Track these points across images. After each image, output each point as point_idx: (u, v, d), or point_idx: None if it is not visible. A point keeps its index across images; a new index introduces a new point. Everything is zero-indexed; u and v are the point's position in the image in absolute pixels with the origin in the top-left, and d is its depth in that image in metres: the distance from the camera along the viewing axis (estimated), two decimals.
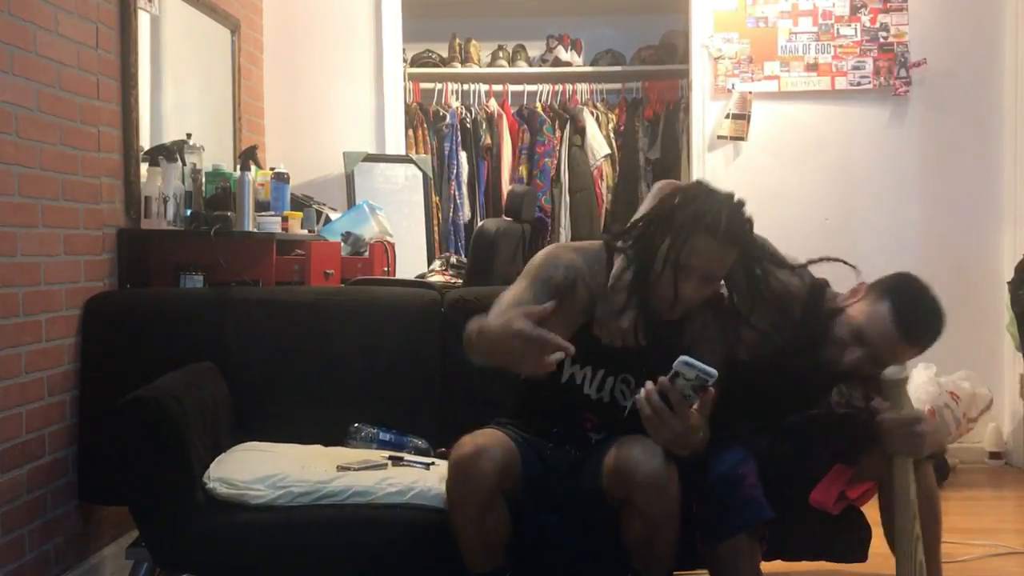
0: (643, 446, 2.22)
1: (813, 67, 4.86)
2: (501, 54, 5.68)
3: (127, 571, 2.83)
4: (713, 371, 2.09)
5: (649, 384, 2.12)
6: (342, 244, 3.84)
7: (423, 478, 2.58)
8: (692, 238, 2.21)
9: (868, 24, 4.84)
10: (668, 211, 2.28)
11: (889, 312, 2.48)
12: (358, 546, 2.51)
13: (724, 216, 2.22)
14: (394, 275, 4.05)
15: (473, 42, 5.70)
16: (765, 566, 2.75)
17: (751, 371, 2.43)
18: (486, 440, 2.30)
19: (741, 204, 2.29)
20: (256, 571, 2.59)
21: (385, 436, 2.90)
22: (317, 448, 2.83)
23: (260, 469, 2.60)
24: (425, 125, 5.43)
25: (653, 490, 2.20)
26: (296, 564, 2.53)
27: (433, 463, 2.71)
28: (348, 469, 2.62)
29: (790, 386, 2.48)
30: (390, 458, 2.72)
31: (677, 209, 2.26)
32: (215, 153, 3.86)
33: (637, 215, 2.43)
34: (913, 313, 2.52)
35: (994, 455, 4.83)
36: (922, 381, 4.41)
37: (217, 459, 2.66)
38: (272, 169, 3.79)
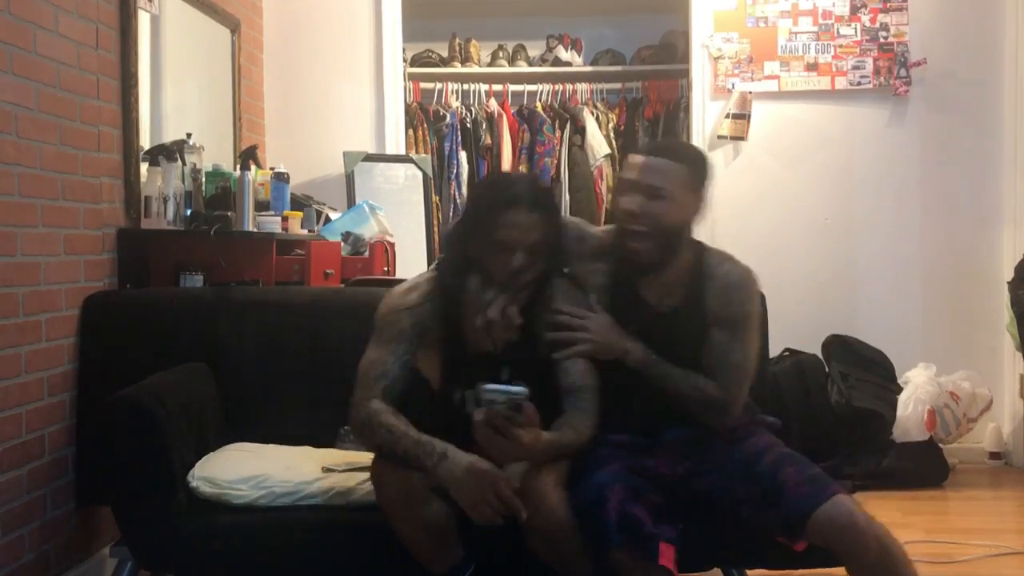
0: (546, 474, 2.30)
1: (813, 67, 4.86)
2: (501, 54, 5.67)
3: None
4: (519, 388, 2.18)
5: (476, 414, 2.21)
6: (342, 244, 3.83)
7: None
8: (497, 215, 2.33)
9: (868, 24, 4.84)
10: (467, 212, 2.48)
11: None
12: (337, 547, 2.51)
13: (518, 186, 2.39)
14: (394, 275, 4.05)
15: (473, 42, 5.69)
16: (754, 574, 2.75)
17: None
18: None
19: (530, 176, 2.48)
20: (236, 571, 2.59)
21: None
22: (305, 449, 2.83)
23: (244, 469, 2.60)
24: (425, 125, 5.42)
25: (531, 506, 2.24)
26: (276, 565, 2.53)
27: None
28: (333, 470, 2.62)
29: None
30: None
31: (473, 205, 2.45)
32: (215, 153, 3.86)
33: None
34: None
35: (994, 455, 4.83)
36: (922, 381, 4.41)
37: (203, 459, 2.66)
38: (272, 169, 3.79)
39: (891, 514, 3.83)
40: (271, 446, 2.83)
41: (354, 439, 2.43)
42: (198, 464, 2.62)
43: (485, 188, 2.46)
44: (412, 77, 5.49)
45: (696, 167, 2.51)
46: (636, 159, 2.47)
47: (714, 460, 2.46)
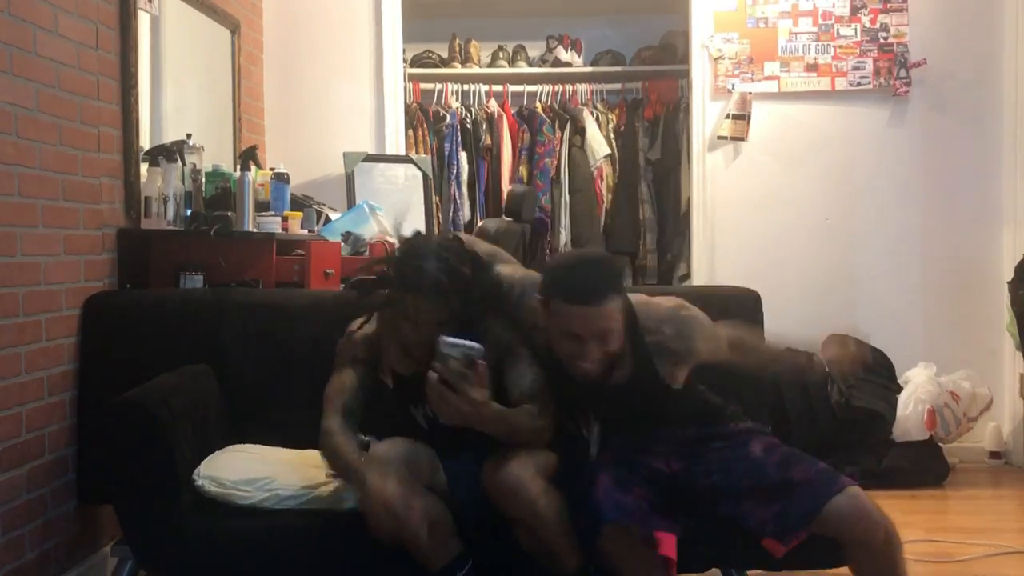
0: (490, 462, 2.39)
1: (813, 67, 4.86)
2: (501, 54, 5.67)
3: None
4: (478, 345, 2.27)
5: (430, 372, 2.29)
6: (342, 244, 3.83)
7: None
8: (402, 300, 2.42)
9: (868, 24, 4.84)
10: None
11: (549, 282, 2.43)
12: (341, 552, 2.51)
13: (419, 275, 2.40)
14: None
15: (473, 43, 5.70)
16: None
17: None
18: (385, 445, 2.52)
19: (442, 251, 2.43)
20: (239, 573, 2.59)
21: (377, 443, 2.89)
22: (311, 453, 2.81)
23: (249, 470, 2.61)
24: (425, 125, 5.43)
25: (508, 497, 2.33)
26: (280, 567, 2.53)
27: None
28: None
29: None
30: None
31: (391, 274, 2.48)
32: (215, 153, 3.86)
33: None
34: (564, 271, 2.46)
35: (994, 455, 4.83)
36: (922, 381, 4.42)
37: (208, 457, 2.66)
38: (272, 169, 3.80)
39: (891, 513, 3.72)
40: (276, 449, 2.83)
41: (322, 453, 2.54)
42: (204, 463, 2.63)
43: (398, 263, 2.48)
44: (412, 78, 5.50)
45: (615, 282, 2.44)
46: (571, 310, 2.34)
47: (716, 460, 2.48)
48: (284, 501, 2.56)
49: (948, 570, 3.32)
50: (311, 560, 2.52)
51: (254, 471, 2.61)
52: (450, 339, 2.27)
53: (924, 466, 4.39)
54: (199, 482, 2.56)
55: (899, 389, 4.44)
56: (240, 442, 2.84)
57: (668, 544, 2.32)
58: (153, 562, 2.61)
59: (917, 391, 4.37)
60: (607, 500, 2.32)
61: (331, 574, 2.58)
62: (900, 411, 4.36)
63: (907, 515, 3.92)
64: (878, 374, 4.49)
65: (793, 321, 4.19)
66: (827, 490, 2.34)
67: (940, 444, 4.45)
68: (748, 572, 2.77)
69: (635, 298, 2.53)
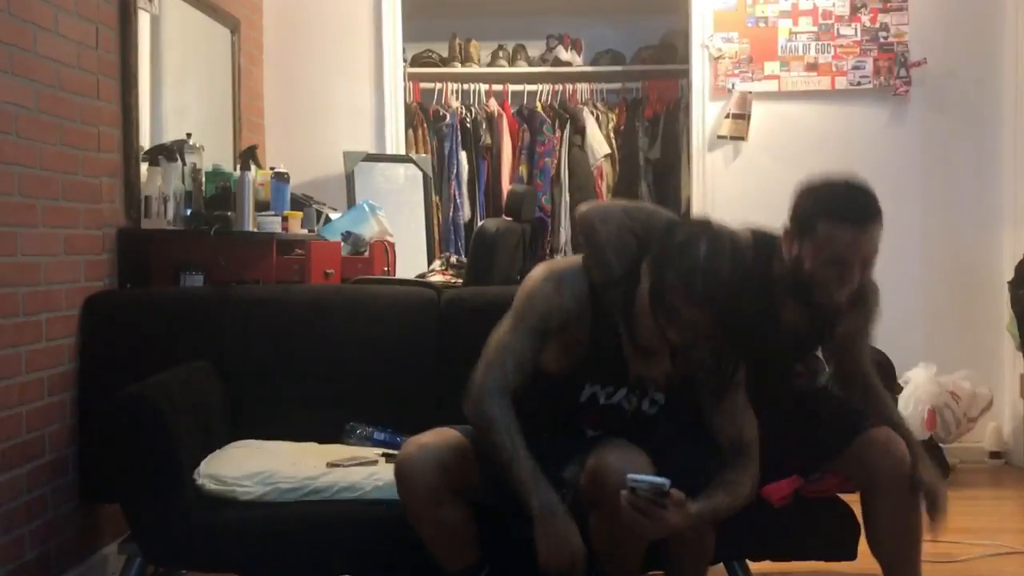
0: (623, 452, 2.23)
1: (813, 67, 4.86)
2: (501, 54, 5.67)
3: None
4: (662, 480, 2.10)
5: (621, 495, 2.11)
6: (342, 244, 3.84)
7: None
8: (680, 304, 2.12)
9: (868, 24, 4.84)
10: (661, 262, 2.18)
11: (812, 204, 2.34)
12: (345, 542, 2.52)
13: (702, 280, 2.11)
14: (394, 275, 4.05)
15: (473, 42, 5.69)
16: (757, 567, 2.76)
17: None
18: (429, 439, 2.32)
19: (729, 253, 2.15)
20: (245, 566, 2.60)
21: (380, 435, 2.89)
22: (311, 445, 2.84)
23: (250, 465, 2.61)
24: (425, 125, 5.42)
25: (608, 479, 2.19)
26: (284, 560, 2.54)
27: None
28: (338, 466, 2.63)
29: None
30: (383, 455, 2.72)
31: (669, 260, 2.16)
32: (215, 153, 3.86)
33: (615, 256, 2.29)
34: (832, 191, 2.39)
35: (994, 455, 4.83)
36: (922, 381, 4.41)
37: (209, 456, 2.67)
38: (272, 169, 3.79)
39: None
40: (276, 442, 2.83)
41: (469, 415, 2.25)
42: (204, 462, 2.63)
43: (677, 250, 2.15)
44: (412, 77, 5.49)
45: (880, 206, 2.38)
46: (843, 232, 2.26)
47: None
48: (285, 494, 2.56)
49: (949, 570, 3.32)
50: (314, 550, 2.52)
51: (254, 466, 2.61)
52: (635, 476, 2.11)
53: None
54: (200, 481, 2.57)
55: (899, 389, 4.44)
56: (242, 438, 2.85)
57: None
58: (159, 554, 2.62)
59: (917, 391, 4.37)
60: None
61: (334, 563, 2.58)
62: (900, 411, 4.36)
63: None
64: (878, 374, 4.48)
65: None
66: (857, 424, 2.38)
67: (940, 444, 4.45)
68: (752, 568, 2.77)
69: None
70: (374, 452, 2.75)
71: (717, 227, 2.23)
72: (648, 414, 2.39)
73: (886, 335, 4.53)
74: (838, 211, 2.25)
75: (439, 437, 2.34)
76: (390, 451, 2.75)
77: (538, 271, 2.34)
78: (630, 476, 2.11)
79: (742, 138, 4.86)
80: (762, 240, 2.44)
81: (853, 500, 2.59)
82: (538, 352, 2.27)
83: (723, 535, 2.40)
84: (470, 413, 2.25)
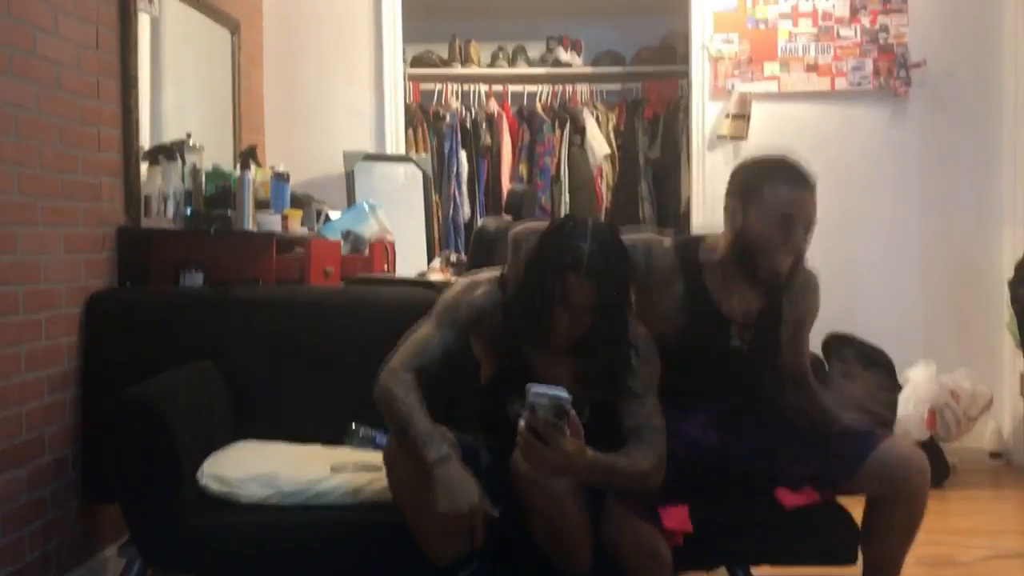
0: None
1: (813, 68, 4.86)
2: (501, 55, 5.68)
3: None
4: (564, 394, 2.11)
5: (520, 420, 2.15)
6: (342, 243, 3.83)
7: None
8: (559, 278, 2.27)
9: (868, 25, 4.84)
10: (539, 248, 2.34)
11: (756, 175, 2.47)
12: (346, 546, 2.52)
13: (586, 254, 2.26)
14: (394, 274, 4.05)
15: (473, 43, 5.70)
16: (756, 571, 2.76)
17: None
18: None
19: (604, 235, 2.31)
20: (245, 570, 2.59)
21: (382, 440, 2.89)
22: (314, 448, 2.83)
23: (253, 467, 2.61)
24: (425, 125, 5.43)
25: (534, 485, 2.23)
26: (285, 563, 2.53)
27: None
28: (342, 470, 2.62)
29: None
30: None
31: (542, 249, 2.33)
32: (215, 153, 3.86)
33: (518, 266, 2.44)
34: (772, 163, 2.50)
35: (994, 455, 4.83)
36: (922, 380, 4.41)
37: (212, 456, 2.66)
38: (272, 168, 3.79)
39: None
40: (280, 444, 2.83)
41: (375, 394, 2.37)
42: (207, 462, 2.63)
43: (553, 239, 2.32)
44: (412, 78, 5.50)
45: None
46: (790, 194, 2.40)
47: (751, 424, 2.56)
48: (288, 498, 2.56)
49: (949, 571, 3.32)
50: (315, 555, 2.52)
51: (257, 468, 2.61)
52: (538, 387, 2.13)
53: None
54: (203, 482, 2.57)
55: (899, 388, 4.44)
56: (244, 438, 2.85)
57: (674, 517, 2.35)
58: (158, 559, 2.61)
59: (918, 390, 4.37)
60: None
61: (335, 568, 2.58)
62: (900, 411, 4.35)
63: None
64: (878, 373, 4.48)
65: None
66: (869, 442, 2.46)
67: (940, 444, 4.45)
68: (754, 571, 2.77)
69: None
70: (377, 457, 2.73)
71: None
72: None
73: (886, 335, 4.55)
74: (781, 176, 2.43)
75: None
76: None
77: (458, 280, 2.53)
78: (533, 389, 2.12)
79: (742, 138, 4.86)
80: (683, 239, 2.63)
81: (851, 503, 2.59)
82: (449, 344, 2.40)
83: (730, 534, 2.44)
84: (375, 392, 2.36)
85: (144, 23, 3.43)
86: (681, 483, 2.40)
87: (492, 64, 5.68)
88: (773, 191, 2.39)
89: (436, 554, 2.37)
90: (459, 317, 2.44)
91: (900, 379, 4.50)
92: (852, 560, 2.57)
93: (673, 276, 2.50)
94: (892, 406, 4.34)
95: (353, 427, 2.89)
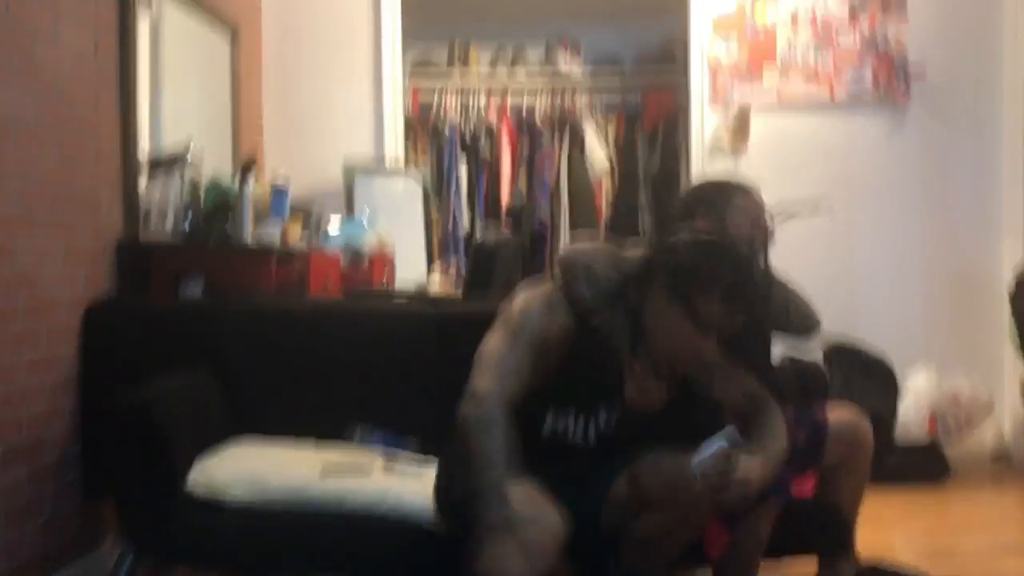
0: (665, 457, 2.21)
1: (812, 76, 4.86)
2: (500, 58, 5.68)
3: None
4: (717, 442, 2.06)
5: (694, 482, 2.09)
6: (341, 255, 3.83)
7: (404, 487, 2.55)
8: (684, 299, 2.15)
9: (867, 34, 4.84)
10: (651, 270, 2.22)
11: (719, 190, 3.00)
12: (331, 551, 2.51)
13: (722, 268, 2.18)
14: (393, 285, 4.05)
15: (472, 46, 5.70)
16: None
17: None
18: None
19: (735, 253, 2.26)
20: (233, 568, 2.59)
21: (380, 440, 2.88)
22: (307, 451, 2.82)
23: (242, 470, 2.60)
24: (424, 135, 5.43)
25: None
26: (271, 565, 2.53)
27: (424, 473, 2.68)
28: (333, 474, 2.61)
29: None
30: (383, 465, 2.71)
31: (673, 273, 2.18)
32: (214, 160, 3.85)
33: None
34: (727, 180, 3.09)
35: (996, 458, 4.83)
36: (923, 385, 4.42)
37: (202, 460, 2.65)
38: (272, 182, 3.78)
39: (892, 514, 3.85)
40: (271, 448, 2.81)
41: (470, 417, 2.11)
42: (196, 466, 2.61)
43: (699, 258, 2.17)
44: (411, 83, 5.49)
45: None
46: (756, 196, 2.93)
47: None
48: (275, 502, 2.53)
49: (948, 571, 3.31)
50: (300, 560, 2.51)
51: (246, 470, 2.59)
52: (699, 458, 2.06)
53: (925, 468, 4.39)
54: (191, 484, 2.55)
55: (899, 396, 4.45)
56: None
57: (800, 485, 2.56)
58: (150, 553, 2.63)
59: (918, 396, 4.40)
60: None
61: (322, 571, 2.55)
62: (901, 416, 4.38)
63: (908, 516, 3.92)
64: (879, 379, 4.50)
65: None
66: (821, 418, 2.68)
67: (941, 448, 4.46)
68: None
69: None
70: (370, 459, 2.74)
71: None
72: (588, 441, 2.28)
73: (887, 342, 4.58)
74: (742, 188, 2.97)
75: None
76: (390, 461, 2.74)
77: (528, 293, 2.29)
78: (693, 462, 2.06)
79: (742, 147, 4.86)
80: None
81: None
82: (533, 369, 2.17)
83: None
84: (471, 415, 2.11)
85: (143, 30, 3.42)
86: None
87: (491, 66, 5.66)
88: (743, 198, 2.91)
89: None
90: (547, 344, 2.19)
91: (902, 386, 4.51)
92: (847, 555, 2.66)
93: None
94: (891, 413, 4.37)
95: (354, 430, 2.89)
